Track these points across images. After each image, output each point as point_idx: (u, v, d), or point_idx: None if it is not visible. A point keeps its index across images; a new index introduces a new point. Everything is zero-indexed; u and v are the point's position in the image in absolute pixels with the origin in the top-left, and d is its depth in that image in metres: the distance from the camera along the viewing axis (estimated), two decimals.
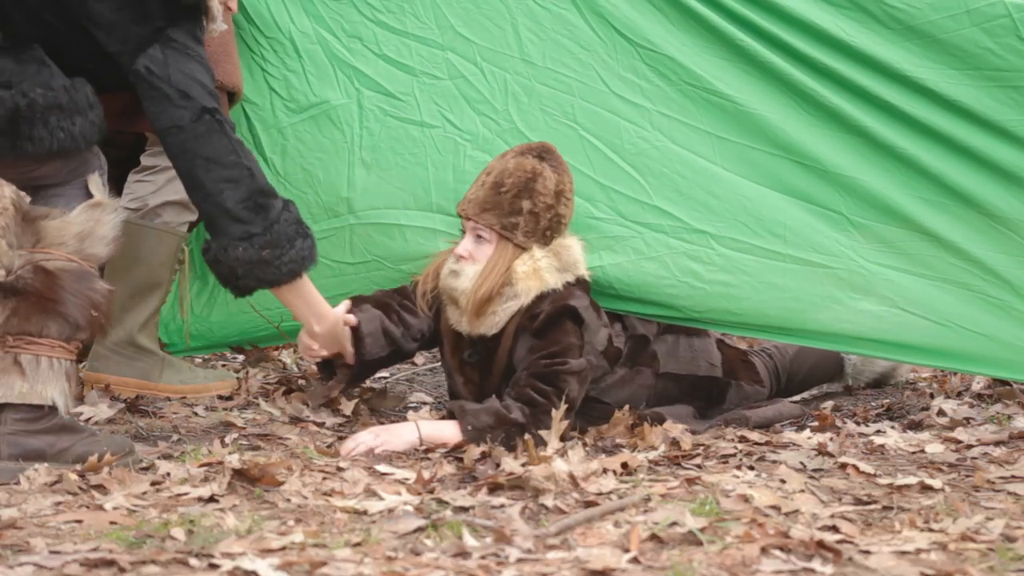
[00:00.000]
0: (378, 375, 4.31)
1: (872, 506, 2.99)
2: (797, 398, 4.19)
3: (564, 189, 3.70)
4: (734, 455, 3.40)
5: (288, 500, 2.96)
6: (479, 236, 3.69)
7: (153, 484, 3.06)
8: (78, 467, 3.13)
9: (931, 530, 2.81)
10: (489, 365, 3.76)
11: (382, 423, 3.70)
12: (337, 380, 3.84)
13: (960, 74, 3.72)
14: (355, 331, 3.72)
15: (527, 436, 3.39)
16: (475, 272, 3.67)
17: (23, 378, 3.16)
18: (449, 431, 3.50)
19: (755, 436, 3.55)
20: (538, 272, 3.67)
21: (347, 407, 3.81)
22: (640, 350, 3.85)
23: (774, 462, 3.32)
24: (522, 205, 3.65)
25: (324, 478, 3.13)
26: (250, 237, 3.29)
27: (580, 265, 3.73)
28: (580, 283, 3.73)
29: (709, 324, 3.85)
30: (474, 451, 3.34)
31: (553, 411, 3.49)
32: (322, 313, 3.56)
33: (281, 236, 3.32)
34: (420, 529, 2.76)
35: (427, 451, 3.44)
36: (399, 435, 3.49)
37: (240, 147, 3.28)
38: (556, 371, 3.59)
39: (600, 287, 3.82)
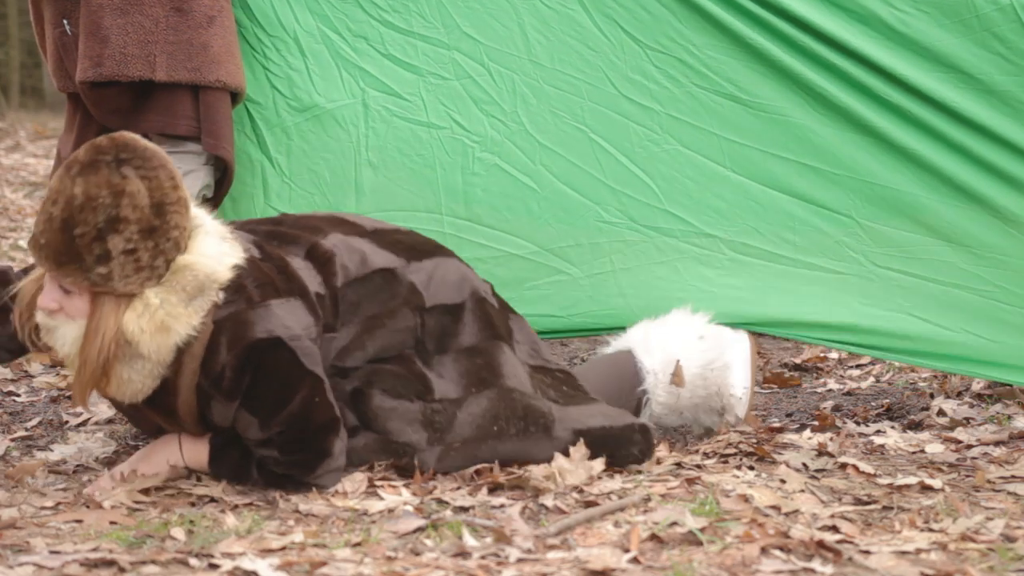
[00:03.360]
0: None
1: (872, 506, 2.99)
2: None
3: (164, 195, 2.84)
4: (734, 455, 3.40)
5: (288, 500, 2.97)
6: (63, 288, 2.87)
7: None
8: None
9: (931, 530, 2.81)
10: (172, 412, 3.03)
11: None
12: None
13: (972, 79, 3.71)
14: None
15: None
16: (73, 337, 2.87)
17: None
18: (206, 458, 3.05)
19: (756, 435, 3.55)
20: (163, 326, 2.86)
21: None
22: (392, 282, 3.19)
23: (774, 462, 3.32)
24: (109, 248, 2.80)
25: None
26: None
27: (216, 273, 2.92)
28: (235, 284, 2.94)
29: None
30: None
31: (329, 462, 2.99)
32: None
33: None
34: (420, 529, 2.76)
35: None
36: (156, 457, 3.06)
37: None
38: (301, 426, 2.96)
39: (608, 294, 3.80)
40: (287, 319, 2.96)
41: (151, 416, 3.08)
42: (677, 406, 3.51)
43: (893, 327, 3.75)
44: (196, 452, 3.06)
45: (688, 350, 3.50)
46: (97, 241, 2.80)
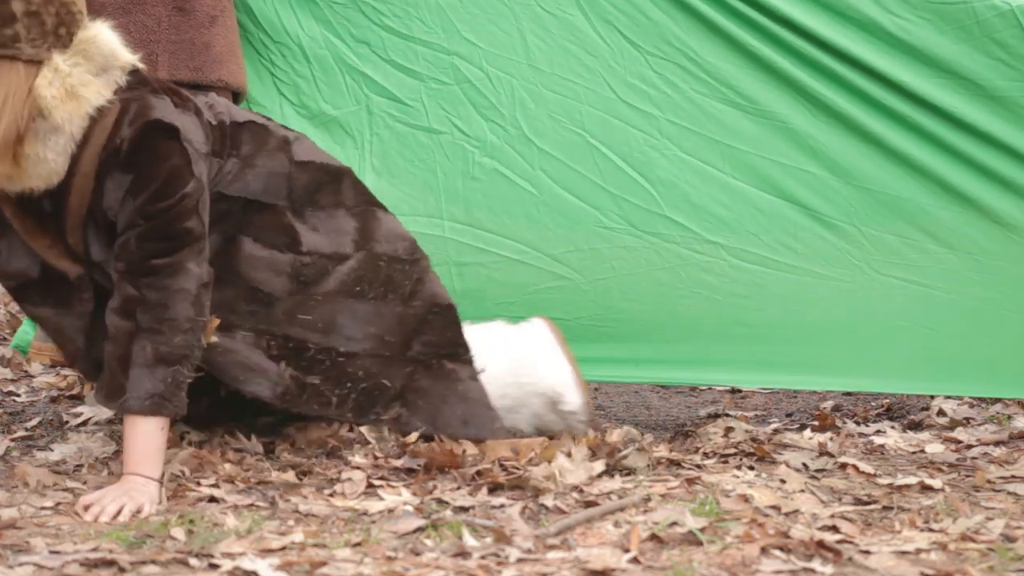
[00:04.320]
0: None
1: (872, 506, 2.99)
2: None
3: None
4: (734, 455, 3.40)
5: (288, 500, 2.97)
6: None
7: None
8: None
9: (931, 530, 2.81)
10: (62, 204, 3.06)
11: None
12: None
13: (973, 85, 3.71)
14: None
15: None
16: None
17: None
18: (150, 439, 2.95)
19: (758, 436, 3.55)
20: (73, 91, 2.93)
21: None
22: (260, 136, 3.26)
23: (774, 462, 3.32)
24: (12, 8, 2.88)
25: (326, 479, 3.13)
26: None
27: (119, 53, 3.02)
28: (136, 77, 3.05)
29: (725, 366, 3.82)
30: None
31: (175, 274, 2.98)
32: None
33: None
34: (420, 529, 2.76)
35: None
36: (150, 492, 2.94)
37: None
38: (167, 221, 2.99)
39: (611, 300, 3.80)
40: (185, 118, 3.06)
41: (35, 234, 3.10)
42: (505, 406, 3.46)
43: (896, 345, 3.75)
44: (142, 451, 2.96)
45: (494, 354, 3.48)
46: (1, 4, 2.87)
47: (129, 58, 3.04)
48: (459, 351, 3.36)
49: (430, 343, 3.33)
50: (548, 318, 3.60)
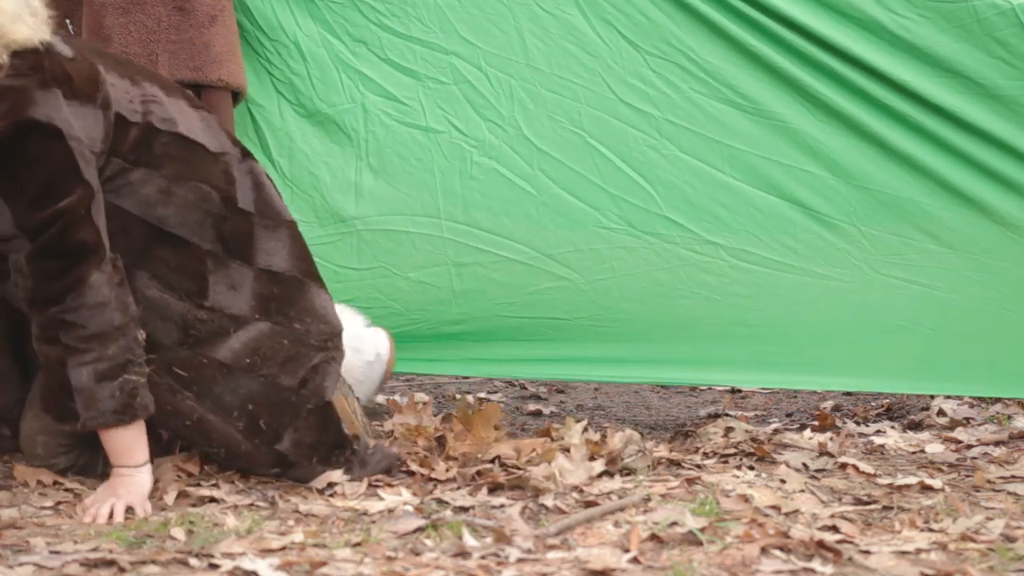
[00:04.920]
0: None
1: (872, 506, 2.99)
2: None
3: None
4: (734, 455, 3.40)
5: (288, 500, 2.97)
6: None
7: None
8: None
9: (931, 530, 2.82)
10: None
11: None
12: None
13: (973, 84, 3.71)
14: None
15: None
16: None
17: None
18: (123, 438, 2.86)
19: (758, 436, 3.55)
20: None
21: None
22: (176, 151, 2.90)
23: (774, 462, 3.32)
24: None
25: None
26: None
27: (7, 31, 2.67)
28: (27, 61, 2.71)
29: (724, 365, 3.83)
30: None
31: (82, 292, 2.72)
32: None
33: None
34: (420, 529, 2.77)
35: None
36: (137, 485, 2.90)
37: None
38: (57, 235, 2.70)
39: (610, 300, 3.80)
40: (73, 119, 2.74)
41: None
42: None
43: (896, 345, 3.75)
44: (124, 450, 2.90)
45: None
46: None
47: (22, 36, 2.68)
48: (334, 453, 3.06)
49: (301, 443, 3.01)
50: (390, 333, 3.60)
